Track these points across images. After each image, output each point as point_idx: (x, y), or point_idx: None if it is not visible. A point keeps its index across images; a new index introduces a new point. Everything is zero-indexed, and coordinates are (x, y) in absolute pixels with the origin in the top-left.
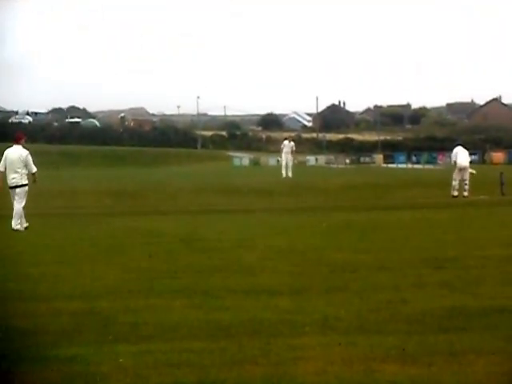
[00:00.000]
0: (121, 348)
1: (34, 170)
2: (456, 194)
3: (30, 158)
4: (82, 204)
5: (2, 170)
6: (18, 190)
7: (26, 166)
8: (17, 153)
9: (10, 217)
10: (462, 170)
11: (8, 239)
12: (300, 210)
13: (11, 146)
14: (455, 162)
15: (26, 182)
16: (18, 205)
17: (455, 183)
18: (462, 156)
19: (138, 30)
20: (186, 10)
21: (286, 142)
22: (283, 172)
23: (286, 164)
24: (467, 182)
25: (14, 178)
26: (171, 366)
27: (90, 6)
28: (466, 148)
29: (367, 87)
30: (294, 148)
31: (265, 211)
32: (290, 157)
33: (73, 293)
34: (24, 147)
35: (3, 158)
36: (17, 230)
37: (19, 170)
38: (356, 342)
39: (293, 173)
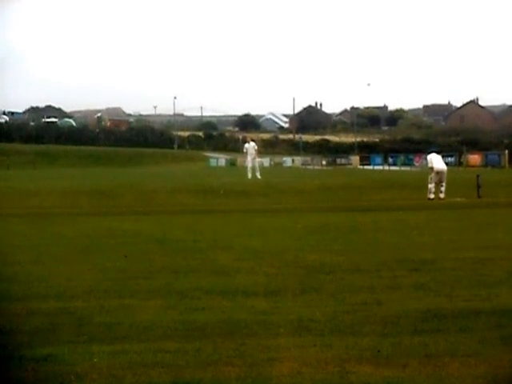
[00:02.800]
0: (95, 348)
1: None
2: (432, 196)
3: None
4: (57, 204)
5: None
6: None
7: None
8: None
9: None
10: (440, 172)
11: None
12: (276, 211)
13: None
14: (431, 168)
15: None
16: None
17: (431, 186)
18: (437, 161)
19: (115, 30)
20: (163, 10)
21: (246, 145)
22: (249, 174)
23: (253, 166)
24: (444, 184)
25: None
26: (146, 366)
27: (67, 5)
28: (438, 153)
29: (344, 89)
30: (257, 147)
31: (241, 212)
32: (255, 158)
33: (47, 293)
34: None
35: None
36: None
37: None
38: (331, 344)
39: (263, 174)
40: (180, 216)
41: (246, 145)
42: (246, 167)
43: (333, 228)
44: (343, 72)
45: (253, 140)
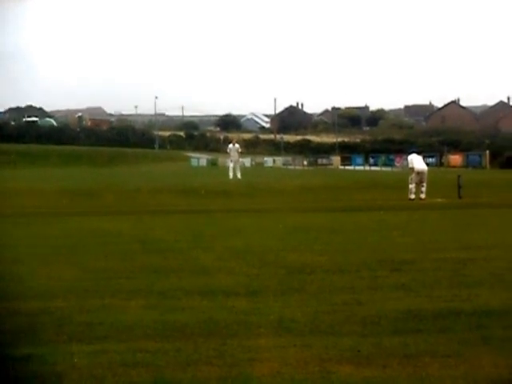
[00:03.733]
0: (76, 348)
1: None
2: (413, 197)
3: None
4: (38, 203)
5: None
6: None
7: None
8: None
9: None
10: (420, 173)
11: None
12: (257, 211)
13: None
14: (412, 168)
15: None
16: None
17: (412, 186)
18: (417, 162)
19: (97, 30)
20: (145, 11)
21: (231, 146)
22: (230, 174)
23: (235, 167)
24: (424, 184)
25: None
26: (126, 366)
27: (48, 6)
28: (419, 153)
29: (325, 89)
30: (240, 150)
31: (222, 212)
32: (237, 159)
33: (28, 292)
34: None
35: None
36: None
37: None
38: (311, 344)
39: (243, 174)
40: (161, 216)
41: (230, 146)
42: (228, 167)
43: (314, 228)
44: (324, 72)
45: (237, 142)
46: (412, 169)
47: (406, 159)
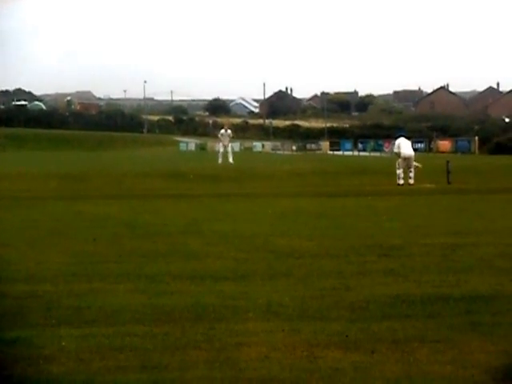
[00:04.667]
0: (64, 331)
1: None
2: (402, 182)
3: None
4: (26, 187)
5: None
6: None
7: None
8: None
9: None
10: (407, 158)
11: None
12: (246, 195)
13: None
14: (398, 153)
15: None
16: None
17: (400, 172)
18: (405, 146)
19: (86, 13)
20: None
21: (223, 131)
22: (220, 159)
23: (225, 151)
24: (412, 169)
25: None
26: (114, 349)
27: None
28: (408, 138)
29: (314, 74)
30: (231, 135)
31: (210, 197)
32: (227, 144)
33: (16, 276)
34: None
35: None
36: None
37: None
38: (299, 329)
39: (234, 159)
40: (150, 200)
41: (222, 131)
42: (218, 152)
43: (302, 213)
44: (313, 57)
45: (229, 128)
46: (398, 154)
47: (394, 144)
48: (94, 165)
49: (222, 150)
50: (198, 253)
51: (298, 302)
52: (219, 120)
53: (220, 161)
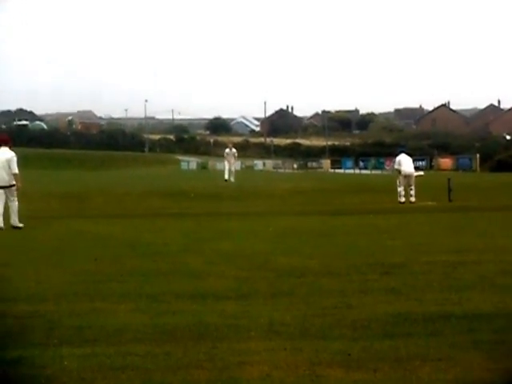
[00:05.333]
0: (65, 351)
1: (16, 171)
2: (403, 200)
3: (14, 159)
4: (28, 206)
5: None
6: (8, 189)
7: (10, 166)
8: (3, 155)
9: None
10: (408, 176)
11: None
12: (247, 214)
13: None
14: (399, 170)
15: (14, 182)
16: (14, 203)
17: (400, 189)
18: (405, 163)
19: (86, 32)
20: (135, 13)
21: (227, 150)
22: (226, 175)
23: (229, 169)
24: (413, 187)
25: (3, 180)
26: (116, 369)
27: (37, 10)
28: (409, 154)
29: (315, 92)
30: (236, 154)
31: (211, 215)
32: (233, 162)
33: (18, 295)
34: (10, 149)
35: None
36: (17, 227)
37: (6, 171)
38: (301, 347)
39: (236, 178)
40: (151, 219)
41: (227, 150)
42: (224, 170)
43: (304, 231)
44: (314, 75)
45: (234, 147)
46: (398, 170)
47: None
48: (95, 184)
49: (227, 167)
50: (199, 272)
51: (300, 321)
52: (220, 139)
53: (226, 177)
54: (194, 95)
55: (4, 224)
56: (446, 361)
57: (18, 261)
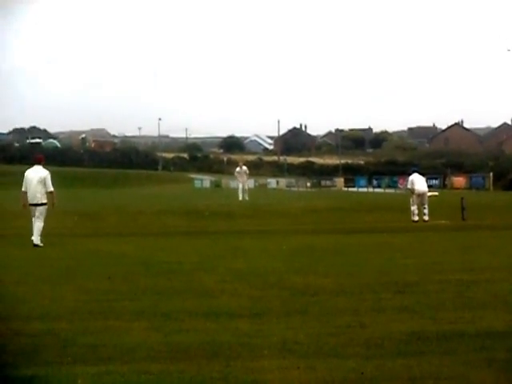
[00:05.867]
0: (79, 369)
1: (51, 189)
2: (416, 218)
3: (49, 177)
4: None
5: (24, 190)
6: (38, 208)
7: (45, 185)
8: (38, 173)
9: None
10: (421, 195)
11: None
12: (260, 232)
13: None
14: (412, 190)
15: (46, 201)
16: (39, 222)
17: (414, 208)
18: (418, 182)
19: (98, 50)
20: (147, 31)
21: (238, 169)
22: (240, 195)
23: (243, 188)
24: (426, 206)
25: (35, 197)
26: None
27: (51, 25)
28: (422, 174)
29: (329, 111)
30: (248, 172)
31: (225, 234)
32: (245, 181)
33: (32, 313)
34: (44, 167)
35: (24, 179)
36: (37, 246)
37: (39, 189)
38: (315, 366)
39: (249, 196)
40: (164, 238)
41: (238, 169)
42: (237, 189)
43: (317, 250)
44: (328, 94)
45: (244, 165)
46: (412, 190)
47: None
48: (108, 202)
49: (240, 186)
50: (212, 290)
51: (314, 340)
52: (233, 157)
53: (240, 198)
54: (207, 114)
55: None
56: (460, 379)
57: (31, 279)
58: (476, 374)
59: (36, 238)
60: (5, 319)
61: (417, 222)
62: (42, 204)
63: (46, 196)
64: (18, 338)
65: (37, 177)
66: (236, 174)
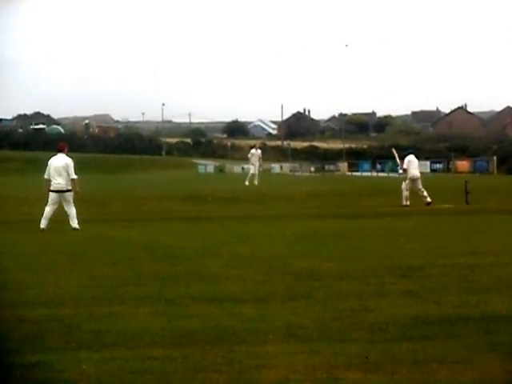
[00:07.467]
0: (84, 355)
1: (74, 176)
2: (408, 203)
3: (72, 165)
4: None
5: (47, 177)
6: (65, 194)
7: (68, 172)
8: (61, 160)
9: None
10: (414, 180)
11: None
12: (264, 217)
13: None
14: (405, 170)
15: (70, 187)
16: (71, 208)
17: (406, 194)
18: (413, 166)
19: (103, 37)
20: (151, 17)
21: (253, 151)
22: (247, 180)
23: (254, 171)
24: (422, 189)
25: (59, 184)
26: (134, 373)
27: (55, 13)
28: (418, 157)
29: (332, 95)
30: (261, 155)
31: (229, 219)
32: (258, 165)
33: (36, 300)
34: (67, 155)
35: (47, 167)
36: (76, 229)
37: (64, 177)
38: (319, 350)
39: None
40: (168, 223)
41: (253, 150)
42: (248, 173)
43: (321, 234)
44: (331, 78)
45: (260, 148)
46: (405, 170)
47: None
48: (112, 188)
49: (252, 169)
50: (217, 275)
51: (318, 324)
52: (237, 142)
53: (247, 182)
54: (211, 99)
55: (46, 226)
56: (464, 363)
57: (36, 265)
58: (480, 357)
59: (74, 223)
60: (9, 306)
61: (408, 206)
62: (67, 190)
63: (69, 183)
64: (23, 324)
65: (61, 164)
66: (250, 155)
